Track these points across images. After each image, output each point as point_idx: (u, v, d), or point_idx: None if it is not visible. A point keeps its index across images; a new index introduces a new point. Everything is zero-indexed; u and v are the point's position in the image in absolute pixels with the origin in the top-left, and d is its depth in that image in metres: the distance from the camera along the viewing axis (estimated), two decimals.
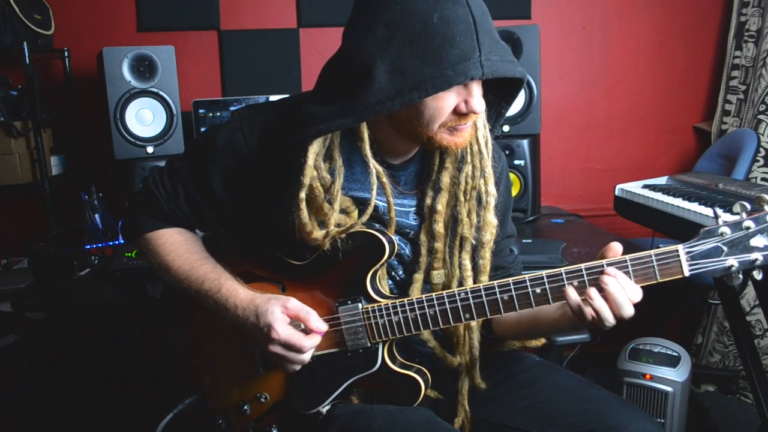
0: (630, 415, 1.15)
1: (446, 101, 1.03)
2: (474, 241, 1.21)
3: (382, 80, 0.98)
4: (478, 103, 1.04)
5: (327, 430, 1.16)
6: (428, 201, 1.21)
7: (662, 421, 2.08)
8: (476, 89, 1.04)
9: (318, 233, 1.12)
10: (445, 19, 0.96)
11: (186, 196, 1.24)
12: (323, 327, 1.14)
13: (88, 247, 2.27)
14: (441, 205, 1.19)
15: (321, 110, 1.05)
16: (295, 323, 1.14)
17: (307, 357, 1.14)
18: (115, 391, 2.29)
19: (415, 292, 1.22)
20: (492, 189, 1.19)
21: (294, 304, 1.13)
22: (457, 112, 1.05)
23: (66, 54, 2.58)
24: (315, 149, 1.09)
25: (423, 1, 0.96)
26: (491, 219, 1.20)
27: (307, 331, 1.14)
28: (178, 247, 1.26)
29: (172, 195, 1.25)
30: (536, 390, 1.24)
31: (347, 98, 1.02)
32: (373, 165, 1.11)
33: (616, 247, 1.05)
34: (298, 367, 1.16)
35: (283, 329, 1.10)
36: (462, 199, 1.19)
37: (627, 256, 1.03)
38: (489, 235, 1.20)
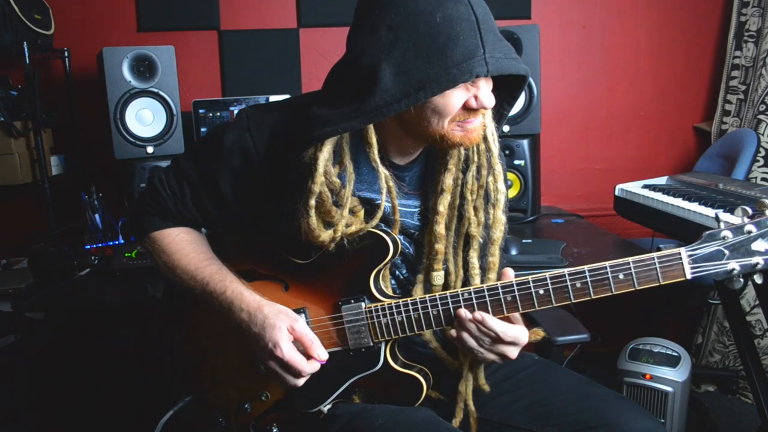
0: (629, 412, 1.15)
1: (454, 98, 1.03)
2: (482, 240, 1.21)
3: (388, 82, 0.98)
4: (488, 97, 1.04)
5: (328, 429, 1.17)
6: (430, 202, 1.21)
7: (662, 421, 2.09)
8: (484, 84, 1.04)
9: (325, 235, 1.12)
10: (447, 19, 0.96)
11: (192, 196, 1.24)
12: (324, 355, 1.14)
13: (88, 247, 2.27)
14: (443, 207, 1.18)
15: (328, 113, 1.05)
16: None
17: (301, 382, 1.14)
18: (115, 390, 2.29)
19: (418, 291, 1.22)
20: (501, 186, 1.18)
21: (301, 326, 1.13)
22: (466, 108, 1.05)
23: (66, 54, 2.58)
24: (325, 156, 1.08)
25: (425, 3, 0.97)
26: (500, 216, 1.19)
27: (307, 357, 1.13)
28: (184, 246, 1.26)
29: (179, 195, 1.25)
30: (536, 388, 1.25)
31: (354, 101, 1.02)
32: (382, 170, 1.11)
33: (508, 272, 1.13)
34: (290, 387, 1.16)
35: (288, 349, 1.10)
36: (469, 197, 1.19)
37: (630, 258, 1.03)
38: (499, 233, 1.19)
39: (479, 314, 1.09)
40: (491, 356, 1.12)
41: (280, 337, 1.10)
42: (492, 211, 1.19)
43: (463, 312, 1.10)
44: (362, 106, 1.00)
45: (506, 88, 1.16)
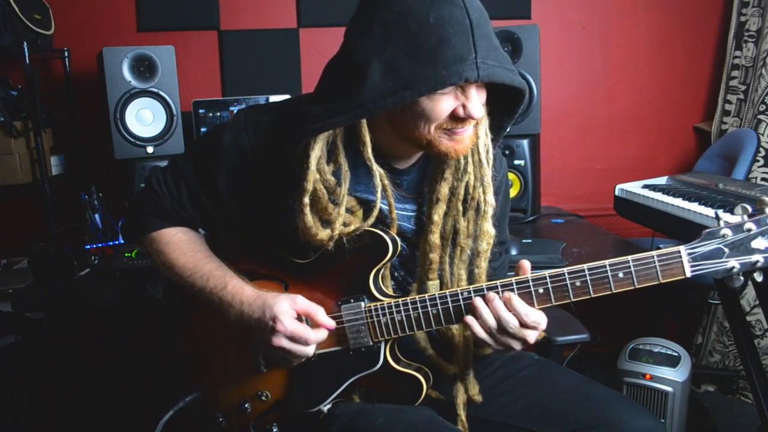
0: (629, 411, 1.15)
1: (442, 104, 1.02)
2: (470, 252, 1.20)
3: (376, 79, 0.97)
4: (476, 107, 1.03)
5: (328, 429, 1.17)
6: (426, 209, 1.21)
7: (663, 421, 2.09)
8: (474, 94, 1.03)
9: (322, 234, 1.12)
10: (440, 21, 0.95)
11: (189, 196, 1.24)
12: (331, 323, 1.15)
13: (88, 247, 2.27)
14: (438, 216, 1.18)
15: (316, 110, 1.05)
16: (299, 319, 1.13)
17: (310, 350, 1.14)
18: (115, 390, 2.29)
19: (415, 293, 1.22)
20: (490, 198, 1.18)
21: (302, 300, 1.14)
22: (454, 117, 1.04)
23: (66, 54, 2.58)
24: (316, 153, 1.08)
25: (420, 3, 0.96)
26: (488, 228, 1.18)
27: (312, 327, 1.14)
28: (183, 245, 1.26)
29: (176, 194, 1.25)
30: (535, 388, 1.24)
31: (342, 97, 1.02)
32: (376, 168, 1.11)
33: (525, 265, 1.10)
34: (301, 360, 1.16)
35: (289, 322, 1.10)
36: (461, 208, 1.18)
37: (629, 257, 1.03)
38: (485, 245, 1.19)
39: (507, 294, 1.08)
40: (509, 341, 1.09)
41: (279, 312, 1.10)
42: (480, 223, 1.18)
43: (491, 294, 1.08)
44: (348, 103, 1.00)
45: (506, 102, 1.14)
